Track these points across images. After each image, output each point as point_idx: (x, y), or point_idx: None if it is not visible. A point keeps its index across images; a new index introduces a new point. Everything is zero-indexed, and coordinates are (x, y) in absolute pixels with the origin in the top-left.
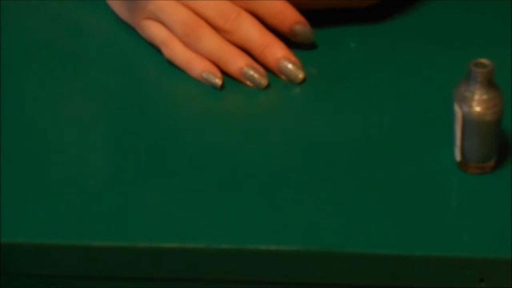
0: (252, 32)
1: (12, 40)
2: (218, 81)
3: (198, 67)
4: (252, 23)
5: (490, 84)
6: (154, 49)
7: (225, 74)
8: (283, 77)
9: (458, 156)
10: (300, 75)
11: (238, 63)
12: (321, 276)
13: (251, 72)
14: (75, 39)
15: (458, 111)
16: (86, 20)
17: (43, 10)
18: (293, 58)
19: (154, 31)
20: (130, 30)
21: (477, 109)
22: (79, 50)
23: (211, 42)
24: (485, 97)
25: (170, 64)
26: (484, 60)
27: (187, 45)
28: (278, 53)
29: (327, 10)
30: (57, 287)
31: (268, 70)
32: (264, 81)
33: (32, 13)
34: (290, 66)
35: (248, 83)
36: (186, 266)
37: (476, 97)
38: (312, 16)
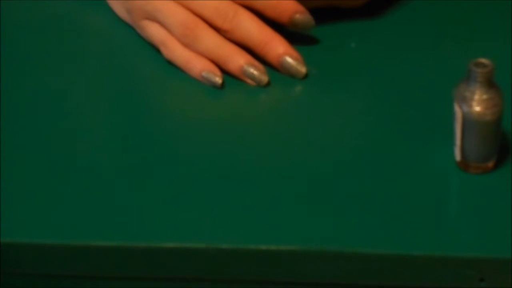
0: (252, 29)
1: (12, 40)
2: (218, 79)
3: (198, 66)
4: (251, 20)
5: (490, 84)
6: (154, 49)
7: (225, 72)
8: (285, 73)
9: (458, 156)
10: (303, 70)
11: (237, 61)
12: (321, 276)
13: (251, 70)
14: (75, 39)
15: (458, 111)
16: (86, 20)
17: (43, 10)
18: (295, 54)
19: (153, 31)
20: (130, 30)
21: (477, 109)
22: (79, 50)
23: (210, 41)
24: (485, 97)
25: (170, 64)
26: (484, 60)
27: (186, 45)
28: (279, 49)
29: (323, 10)
30: (57, 287)
31: (270, 66)
32: (264, 78)
33: (32, 13)
34: (292, 61)
35: (248, 81)
36: (186, 266)
37: (476, 97)
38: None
